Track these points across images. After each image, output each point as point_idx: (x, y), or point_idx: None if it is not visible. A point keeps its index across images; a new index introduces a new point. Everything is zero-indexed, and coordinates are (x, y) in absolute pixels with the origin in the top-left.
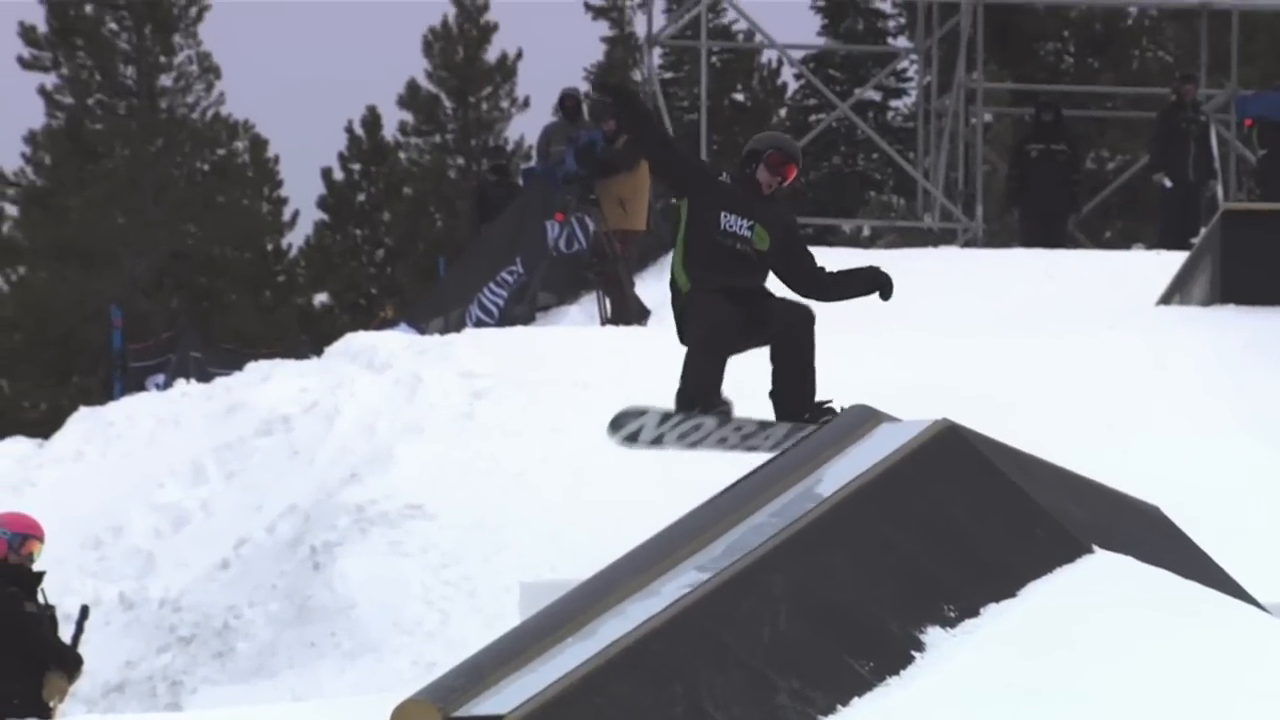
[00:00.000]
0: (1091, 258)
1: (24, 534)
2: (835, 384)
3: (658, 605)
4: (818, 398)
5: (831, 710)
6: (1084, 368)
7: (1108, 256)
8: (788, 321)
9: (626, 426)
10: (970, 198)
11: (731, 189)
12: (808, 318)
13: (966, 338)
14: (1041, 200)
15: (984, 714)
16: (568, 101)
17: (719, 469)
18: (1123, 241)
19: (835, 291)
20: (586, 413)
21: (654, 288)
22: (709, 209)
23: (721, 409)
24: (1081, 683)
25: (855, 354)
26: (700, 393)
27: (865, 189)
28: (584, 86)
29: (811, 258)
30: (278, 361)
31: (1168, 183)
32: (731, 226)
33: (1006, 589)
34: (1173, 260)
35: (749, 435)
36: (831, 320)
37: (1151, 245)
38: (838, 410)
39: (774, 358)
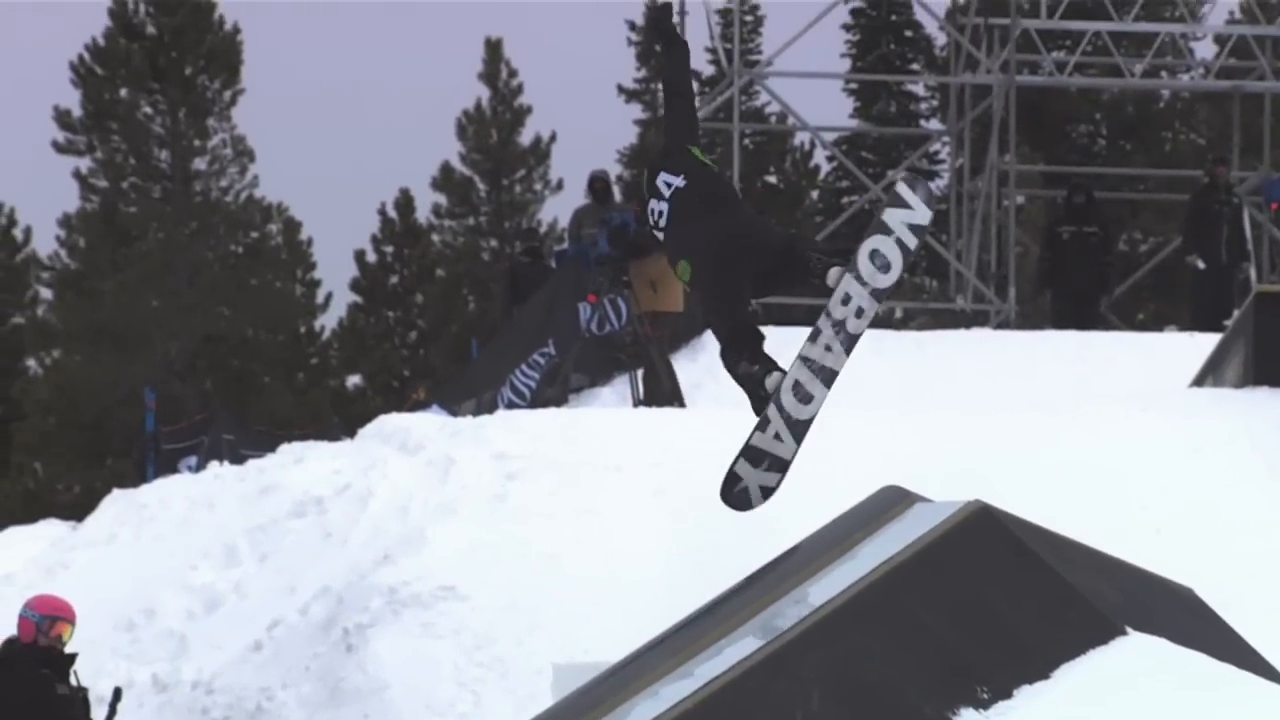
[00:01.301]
0: (1124, 339)
1: (52, 616)
2: (869, 464)
3: (691, 687)
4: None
5: None
6: (1117, 449)
7: (1140, 338)
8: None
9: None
10: (1003, 279)
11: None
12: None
13: (999, 418)
14: (1074, 282)
15: None
16: (597, 184)
17: (754, 553)
18: (1155, 323)
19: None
20: (619, 494)
21: (688, 368)
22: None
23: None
24: None
25: (888, 435)
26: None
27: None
28: (617, 169)
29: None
30: (311, 443)
31: (1200, 264)
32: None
33: (1039, 671)
34: (1206, 342)
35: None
36: (866, 401)
37: (1184, 327)
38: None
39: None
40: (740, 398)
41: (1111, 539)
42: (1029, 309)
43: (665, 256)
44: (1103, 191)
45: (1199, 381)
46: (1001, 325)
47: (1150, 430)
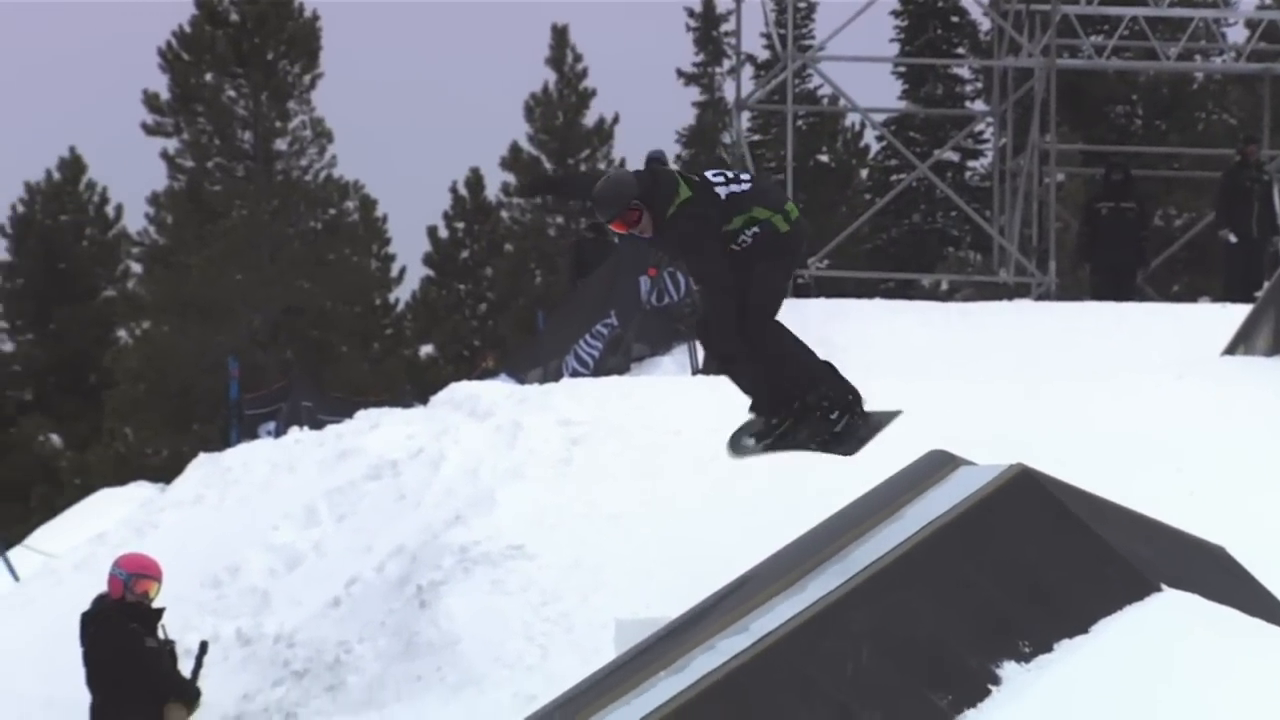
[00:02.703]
0: (1159, 310)
1: (138, 574)
2: (915, 430)
3: (746, 641)
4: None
5: None
6: (1152, 415)
7: (1175, 309)
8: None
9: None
10: (1044, 253)
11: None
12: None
13: (1040, 386)
14: (1111, 255)
15: None
16: (654, 163)
17: (807, 515)
18: (1189, 294)
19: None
20: (678, 458)
21: None
22: None
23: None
24: (1153, 714)
25: (934, 402)
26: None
27: (944, 245)
28: (675, 149)
29: None
30: (386, 410)
31: (1232, 238)
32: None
33: (1079, 626)
34: (1237, 312)
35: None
36: (913, 369)
37: (1217, 298)
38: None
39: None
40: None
41: (1147, 501)
42: (1069, 281)
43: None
44: (1139, 169)
45: (1231, 350)
46: (1042, 297)
47: (1184, 397)
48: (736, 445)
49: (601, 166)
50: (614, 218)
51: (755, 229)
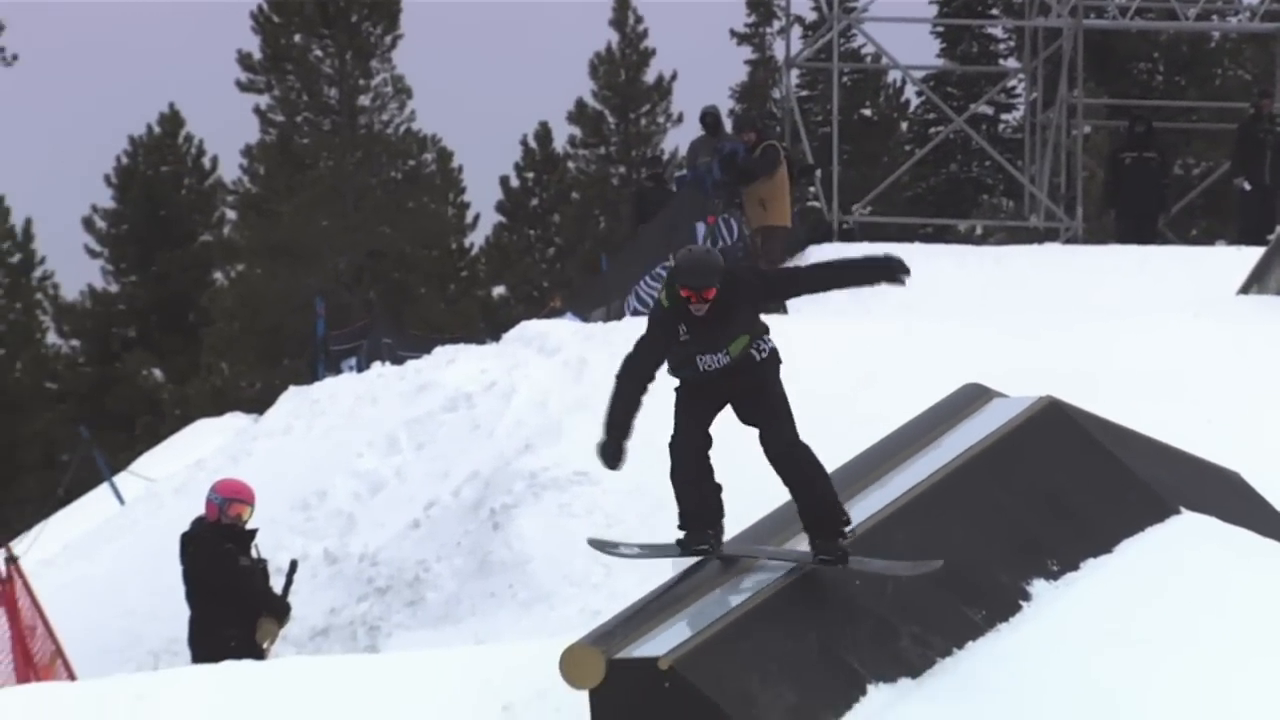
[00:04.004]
0: (1179, 253)
1: (232, 498)
2: (952, 364)
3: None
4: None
5: (948, 653)
6: (1172, 350)
7: (1193, 252)
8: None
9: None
10: (1071, 200)
11: (689, 339)
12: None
13: (1067, 324)
14: (1135, 202)
15: (1085, 657)
16: (708, 118)
17: (851, 443)
18: (1207, 238)
19: (824, 283)
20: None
21: None
22: (684, 365)
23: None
24: (1172, 629)
25: (969, 338)
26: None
27: (978, 193)
28: (728, 104)
29: (784, 277)
30: (461, 346)
31: (1247, 186)
32: (710, 365)
33: (1103, 546)
34: (1251, 255)
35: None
36: (950, 308)
37: (1232, 241)
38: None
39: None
40: (840, 306)
41: (1167, 430)
42: (1094, 226)
43: (772, 179)
44: (1160, 122)
45: (1245, 290)
46: (1070, 241)
47: (1202, 334)
48: (605, 546)
49: (660, 121)
50: (707, 287)
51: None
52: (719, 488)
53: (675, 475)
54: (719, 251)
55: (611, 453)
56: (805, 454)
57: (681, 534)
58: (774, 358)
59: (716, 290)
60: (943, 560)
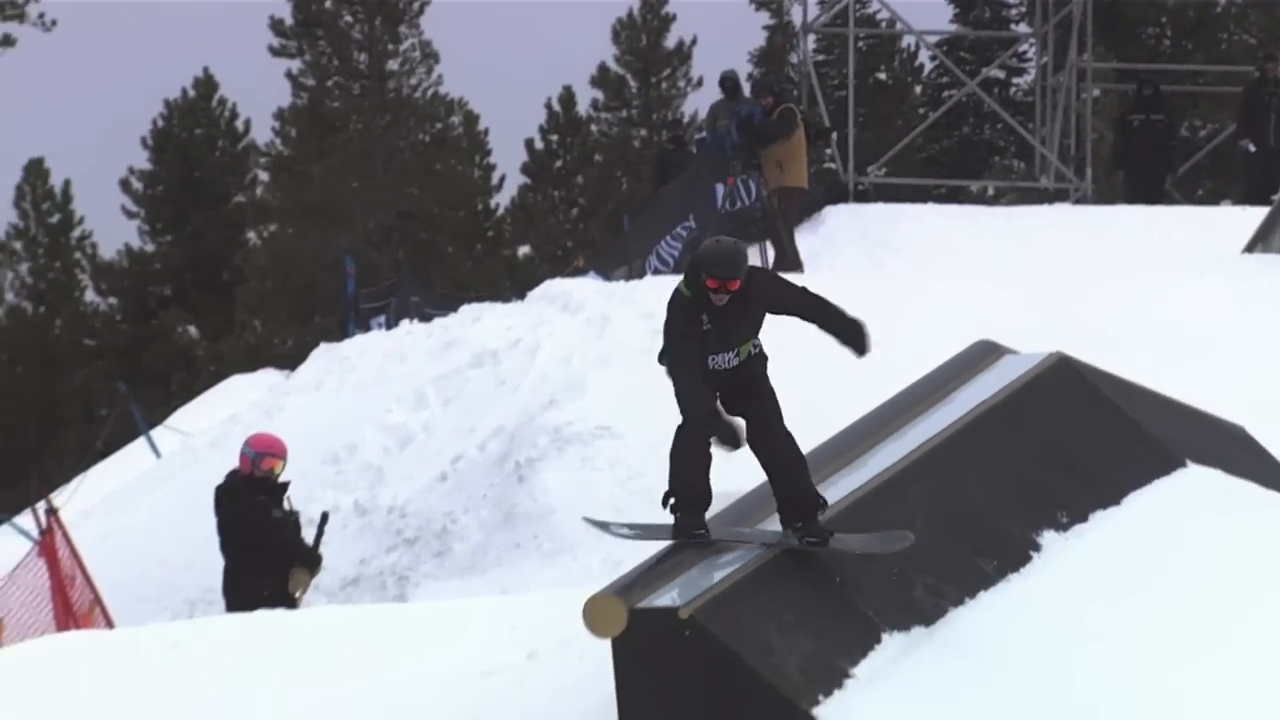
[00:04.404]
0: (1185, 213)
1: (265, 452)
2: (964, 321)
3: None
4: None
5: (961, 602)
6: (1178, 307)
7: (1199, 212)
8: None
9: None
10: (1081, 161)
11: (709, 331)
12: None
13: (1077, 282)
14: (1142, 163)
15: (1094, 606)
16: (727, 82)
17: (868, 397)
18: (1212, 199)
19: (818, 317)
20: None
21: (808, 239)
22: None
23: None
24: (1177, 579)
25: (981, 296)
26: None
27: (990, 155)
28: (746, 68)
29: (796, 295)
30: (487, 304)
31: (1252, 147)
32: (720, 365)
33: (1111, 498)
34: (1256, 215)
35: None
36: (962, 266)
37: (1237, 202)
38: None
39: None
40: (855, 263)
41: (1173, 385)
42: (1103, 187)
43: (789, 141)
44: (1168, 85)
45: (1250, 249)
46: (1080, 201)
47: (1208, 291)
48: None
49: (681, 85)
50: (734, 279)
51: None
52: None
53: (684, 460)
54: (737, 213)
55: (726, 434)
56: (793, 443)
57: (676, 517)
58: (763, 355)
59: (740, 284)
60: (912, 536)
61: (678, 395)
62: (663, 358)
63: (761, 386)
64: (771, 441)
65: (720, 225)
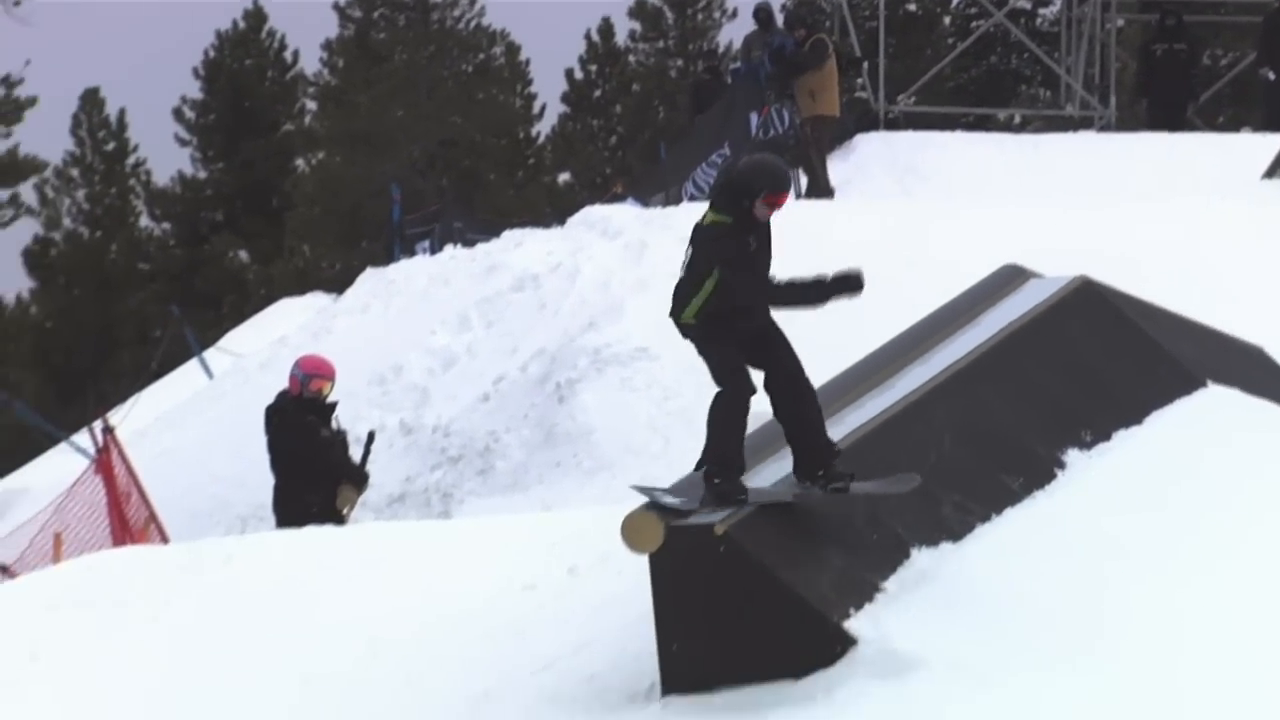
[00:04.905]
0: (1206, 140)
1: (313, 374)
2: (991, 246)
3: (840, 432)
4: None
5: (987, 519)
6: (1199, 231)
7: (1220, 139)
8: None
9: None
10: (1105, 90)
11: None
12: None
13: (1101, 207)
14: (1165, 91)
15: (1118, 521)
16: (761, 14)
17: (896, 322)
18: (1233, 126)
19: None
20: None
21: (841, 166)
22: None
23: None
24: (1198, 495)
25: (1007, 221)
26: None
27: (1017, 84)
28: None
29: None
30: (528, 230)
31: (1272, 75)
32: (758, 301)
33: (1134, 417)
34: (1275, 141)
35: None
36: (990, 192)
37: (1257, 129)
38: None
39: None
40: (885, 189)
41: (1194, 307)
42: (1127, 115)
43: (821, 71)
44: (1190, 15)
45: (1269, 174)
46: (1104, 129)
47: (1228, 216)
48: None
49: (716, 16)
50: (789, 187)
51: None
52: None
53: (731, 424)
54: (770, 141)
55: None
56: (815, 397)
57: (715, 483)
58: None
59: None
60: (919, 478)
61: (721, 361)
62: (688, 308)
63: (781, 334)
64: (799, 397)
65: (755, 152)
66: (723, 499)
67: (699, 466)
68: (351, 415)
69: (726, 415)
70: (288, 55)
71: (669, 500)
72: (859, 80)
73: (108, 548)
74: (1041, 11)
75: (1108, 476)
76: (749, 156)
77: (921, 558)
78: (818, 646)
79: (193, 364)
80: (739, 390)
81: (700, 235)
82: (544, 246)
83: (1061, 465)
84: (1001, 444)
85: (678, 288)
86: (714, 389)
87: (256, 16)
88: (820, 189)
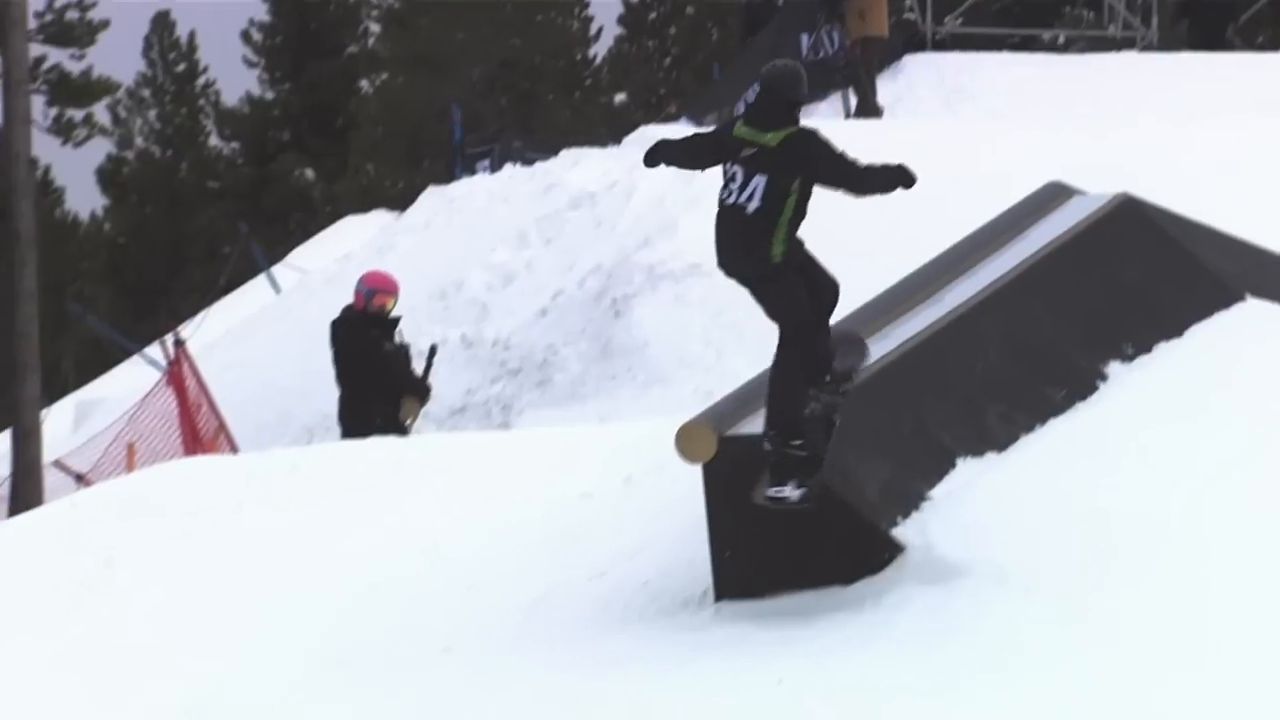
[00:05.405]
0: (1246, 59)
1: (377, 289)
2: (1036, 164)
3: (889, 346)
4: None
5: (1031, 429)
6: (1239, 149)
7: (1260, 58)
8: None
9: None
10: (1147, 10)
11: None
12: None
13: (1143, 124)
14: (1206, 11)
15: (1158, 430)
16: None
17: (944, 237)
18: (1273, 45)
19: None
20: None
21: (889, 86)
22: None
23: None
24: (1236, 406)
25: (1052, 139)
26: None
27: (1061, 5)
28: None
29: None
30: (585, 149)
31: None
32: None
33: (1174, 330)
34: None
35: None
36: (1034, 112)
37: None
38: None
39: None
40: (933, 109)
41: (1233, 221)
42: (1168, 35)
43: None
44: None
45: None
46: (1146, 49)
47: (1266, 133)
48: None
49: None
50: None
51: None
52: None
53: (804, 385)
54: (820, 61)
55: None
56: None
57: (797, 444)
58: None
59: None
60: (864, 341)
61: (795, 309)
62: (775, 245)
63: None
64: (826, 309)
65: (806, 73)
66: (812, 466)
67: (776, 435)
68: (414, 330)
69: (801, 376)
70: None
71: (793, 495)
72: (907, 1)
73: (179, 457)
74: None
75: (1148, 388)
76: (776, 67)
77: (966, 467)
78: (866, 554)
79: (260, 279)
80: (810, 347)
81: (785, 154)
82: (600, 165)
83: (1103, 377)
84: (1045, 356)
85: (743, 229)
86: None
87: None
88: (869, 109)
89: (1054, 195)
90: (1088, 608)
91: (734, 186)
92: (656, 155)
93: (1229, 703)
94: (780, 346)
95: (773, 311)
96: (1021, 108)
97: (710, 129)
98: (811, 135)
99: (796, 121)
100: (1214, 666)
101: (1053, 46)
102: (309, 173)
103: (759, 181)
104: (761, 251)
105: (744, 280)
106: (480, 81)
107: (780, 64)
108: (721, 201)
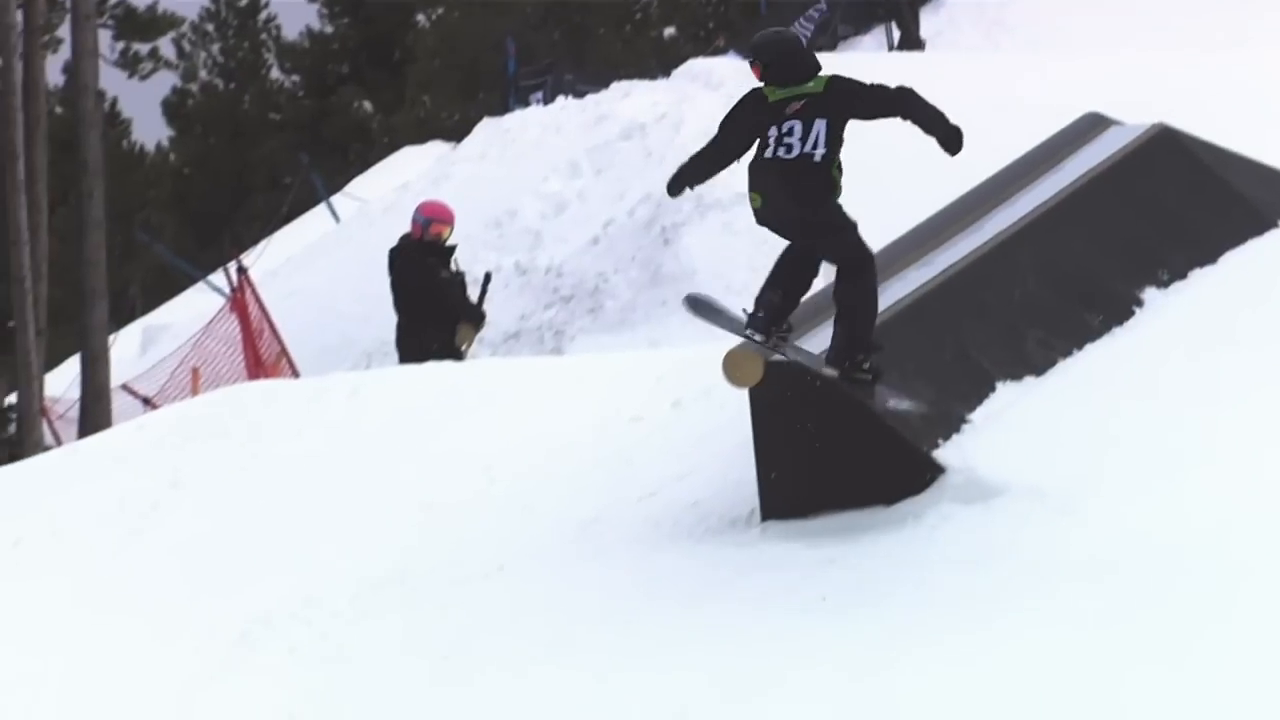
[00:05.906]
0: None
1: (433, 218)
2: (1071, 95)
3: (932, 272)
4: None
5: (1068, 354)
6: (1270, 78)
7: None
8: None
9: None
10: None
11: None
12: None
13: (1176, 56)
14: None
15: (1193, 354)
16: None
17: (983, 168)
18: None
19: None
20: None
21: (931, 19)
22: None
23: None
24: (1270, 330)
25: (1087, 69)
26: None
27: None
28: None
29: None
30: (636, 82)
31: None
32: None
33: (1208, 257)
34: None
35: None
36: (1067, 41)
37: None
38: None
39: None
40: (974, 42)
41: (1267, 150)
42: None
43: None
44: None
45: None
46: None
47: None
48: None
49: None
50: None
51: None
52: None
53: (873, 309)
54: None
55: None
56: None
57: (867, 365)
58: None
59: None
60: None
61: (858, 238)
62: (838, 188)
63: None
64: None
65: (849, 7)
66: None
67: (848, 358)
68: (469, 257)
69: (874, 294)
70: None
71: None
72: None
73: (242, 381)
74: None
75: (1183, 313)
76: (765, 37)
77: (1006, 391)
78: (908, 475)
79: (320, 209)
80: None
81: (834, 95)
82: (650, 97)
83: (1139, 303)
84: (1082, 283)
85: (810, 180)
86: None
87: None
88: (911, 42)
89: (1092, 125)
90: (1126, 527)
91: (792, 139)
92: (680, 181)
93: (1263, 615)
94: (853, 276)
95: (841, 249)
96: (1060, 38)
97: (727, 117)
98: (843, 76)
99: (820, 67)
100: (1248, 585)
101: None
102: (367, 105)
103: (819, 127)
104: (831, 200)
105: (807, 230)
106: (534, 15)
107: (769, 33)
108: (779, 158)
